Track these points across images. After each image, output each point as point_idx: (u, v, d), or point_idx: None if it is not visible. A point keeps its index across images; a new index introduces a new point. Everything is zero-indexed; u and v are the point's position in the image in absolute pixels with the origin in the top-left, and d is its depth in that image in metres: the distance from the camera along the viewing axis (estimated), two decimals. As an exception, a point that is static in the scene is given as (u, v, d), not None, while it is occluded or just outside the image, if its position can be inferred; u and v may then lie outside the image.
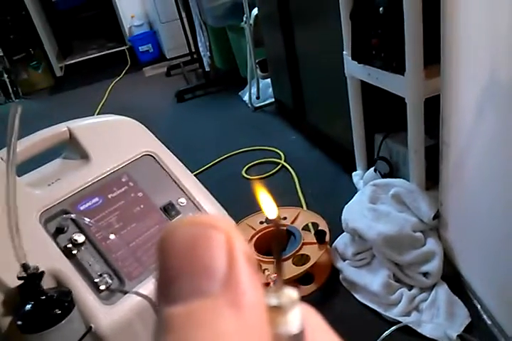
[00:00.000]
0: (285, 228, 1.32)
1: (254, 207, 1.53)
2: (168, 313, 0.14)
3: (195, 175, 1.03)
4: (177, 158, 1.01)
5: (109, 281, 0.79)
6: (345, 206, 1.34)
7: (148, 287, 0.81)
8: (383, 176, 1.42)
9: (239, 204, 1.56)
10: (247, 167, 1.96)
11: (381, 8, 1.13)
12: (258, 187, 0.17)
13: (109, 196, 0.88)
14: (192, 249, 0.15)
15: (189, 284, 0.14)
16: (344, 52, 1.40)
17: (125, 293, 0.80)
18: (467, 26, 0.91)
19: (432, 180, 1.24)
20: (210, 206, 0.94)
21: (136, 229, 0.87)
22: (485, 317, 1.06)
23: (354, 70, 1.38)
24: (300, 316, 0.16)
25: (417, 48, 1.07)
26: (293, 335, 0.16)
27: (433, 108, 1.09)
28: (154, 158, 0.96)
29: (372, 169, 1.47)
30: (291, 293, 0.17)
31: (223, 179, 1.91)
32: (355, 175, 1.60)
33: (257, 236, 1.32)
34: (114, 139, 0.95)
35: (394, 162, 1.41)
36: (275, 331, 0.16)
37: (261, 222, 1.37)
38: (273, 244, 0.19)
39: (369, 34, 1.22)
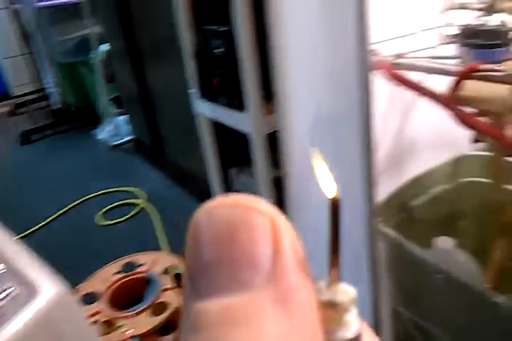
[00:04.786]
0: (143, 276, 1.24)
1: (110, 257, 1.39)
2: (200, 308, 0.12)
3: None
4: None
5: None
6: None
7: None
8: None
9: (92, 255, 1.42)
10: (103, 211, 1.82)
11: (217, 50, 1.17)
12: (316, 159, 0.15)
13: None
14: (232, 234, 0.13)
15: (227, 275, 0.12)
16: (191, 90, 1.41)
17: None
18: (294, 65, 0.97)
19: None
20: (37, 271, 0.82)
21: None
22: None
23: (202, 108, 1.39)
24: (358, 318, 0.13)
25: (253, 87, 1.12)
26: (349, 339, 0.13)
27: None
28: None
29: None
30: (348, 289, 0.14)
31: (74, 229, 1.73)
32: (216, 211, 1.59)
33: (111, 287, 1.20)
34: None
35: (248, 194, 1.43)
36: (328, 333, 0.13)
37: (117, 273, 1.26)
38: (329, 230, 0.15)
39: (212, 73, 1.24)
